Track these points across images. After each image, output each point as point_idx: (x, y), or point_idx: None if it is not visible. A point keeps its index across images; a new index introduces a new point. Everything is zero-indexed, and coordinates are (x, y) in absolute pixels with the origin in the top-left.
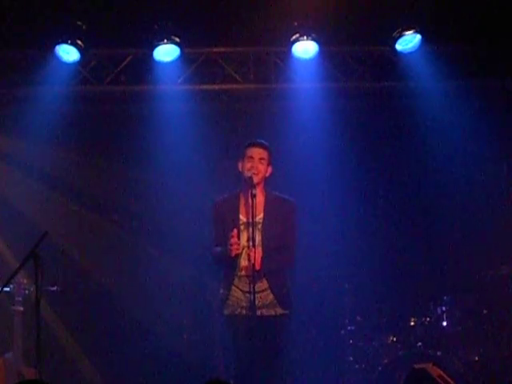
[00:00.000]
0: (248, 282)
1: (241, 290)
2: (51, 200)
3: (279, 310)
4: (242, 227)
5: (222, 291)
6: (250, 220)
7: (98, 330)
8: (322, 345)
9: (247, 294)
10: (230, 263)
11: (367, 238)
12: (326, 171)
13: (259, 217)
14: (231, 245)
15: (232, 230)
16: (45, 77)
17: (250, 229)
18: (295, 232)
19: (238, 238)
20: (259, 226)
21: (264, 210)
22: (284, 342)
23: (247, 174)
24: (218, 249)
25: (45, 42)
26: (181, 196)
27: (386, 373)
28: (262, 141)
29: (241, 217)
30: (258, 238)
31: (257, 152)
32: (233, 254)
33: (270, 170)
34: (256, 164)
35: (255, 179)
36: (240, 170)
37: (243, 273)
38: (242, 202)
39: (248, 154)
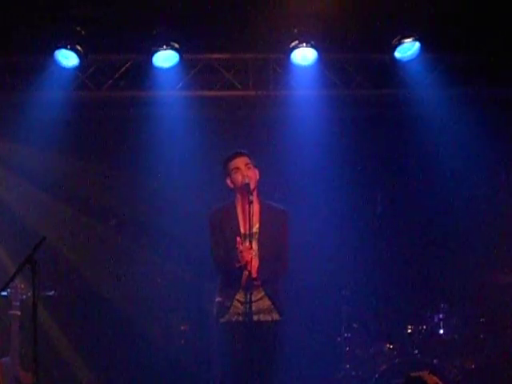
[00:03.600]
0: (244, 291)
1: (239, 301)
2: (49, 205)
3: (276, 316)
4: (242, 238)
5: (219, 299)
6: (248, 231)
7: (95, 335)
8: (319, 352)
9: (244, 304)
10: (234, 274)
11: (364, 245)
12: (324, 178)
13: (256, 227)
14: (241, 252)
15: (234, 239)
16: (44, 82)
17: (248, 239)
18: (288, 240)
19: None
20: (256, 236)
21: (260, 220)
22: (280, 348)
23: (242, 182)
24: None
25: (44, 46)
26: (179, 202)
27: (383, 380)
28: (240, 150)
29: (241, 230)
30: (254, 247)
31: (240, 161)
32: (244, 260)
33: (257, 173)
34: (245, 172)
35: (252, 185)
36: (231, 185)
37: (242, 284)
38: (239, 212)
39: (232, 166)
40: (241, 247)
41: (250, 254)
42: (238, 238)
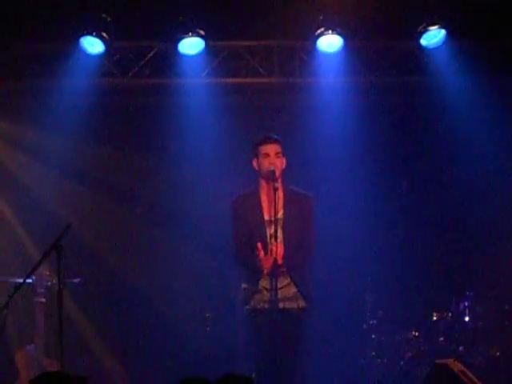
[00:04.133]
0: (270, 278)
1: (265, 288)
2: (75, 192)
3: (302, 303)
4: (266, 225)
5: (244, 286)
6: (273, 217)
7: (120, 322)
8: (344, 339)
9: (270, 291)
10: (257, 261)
11: (390, 232)
12: (349, 165)
13: (280, 213)
14: (261, 260)
15: (258, 226)
16: (69, 69)
17: (272, 226)
18: (313, 226)
19: (265, 251)
20: (281, 223)
21: (284, 206)
22: (305, 335)
23: (267, 168)
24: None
25: (70, 33)
26: (204, 189)
27: (408, 367)
28: (273, 135)
29: (265, 216)
30: (279, 234)
31: (271, 148)
32: (265, 269)
33: (285, 162)
34: (273, 160)
35: (277, 172)
36: (256, 167)
37: (268, 270)
38: (263, 198)
39: (263, 151)
40: (261, 254)
41: (270, 260)
42: (259, 244)
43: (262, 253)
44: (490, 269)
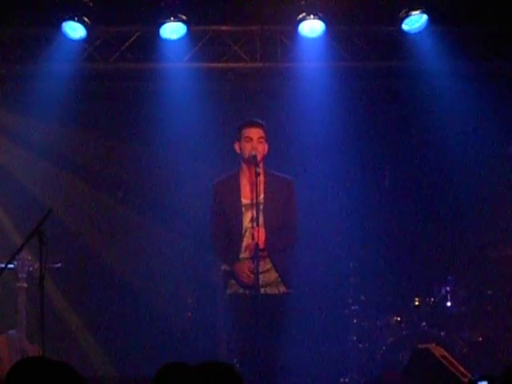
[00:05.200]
0: (251, 262)
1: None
2: (56, 177)
3: (283, 289)
4: (243, 209)
5: (224, 268)
6: (254, 201)
7: (102, 307)
8: (326, 324)
9: (252, 275)
10: (233, 243)
11: (372, 217)
12: (331, 150)
13: (261, 197)
14: (242, 275)
15: (235, 209)
16: (51, 53)
17: (254, 210)
18: (296, 211)
19: (240, 236)
20: (261, 206)
21: (265, 189)
22: (287, 320)
23: (249, 153)
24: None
25: (51, 18)
26: (186, 174)
27: (390, 353)
28: (257, 119)
29: (242, 199)
30: (261, 218)
31: (254, 132)
32: (244, 281)
33: (267, 147)
34: (256, 144)
35: (259, 157)
36: (238, 151)
37: (247, 254)
38: (243, 182)
39: (245, 134)
40: (246, 271)
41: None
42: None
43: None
44: (471, 254)
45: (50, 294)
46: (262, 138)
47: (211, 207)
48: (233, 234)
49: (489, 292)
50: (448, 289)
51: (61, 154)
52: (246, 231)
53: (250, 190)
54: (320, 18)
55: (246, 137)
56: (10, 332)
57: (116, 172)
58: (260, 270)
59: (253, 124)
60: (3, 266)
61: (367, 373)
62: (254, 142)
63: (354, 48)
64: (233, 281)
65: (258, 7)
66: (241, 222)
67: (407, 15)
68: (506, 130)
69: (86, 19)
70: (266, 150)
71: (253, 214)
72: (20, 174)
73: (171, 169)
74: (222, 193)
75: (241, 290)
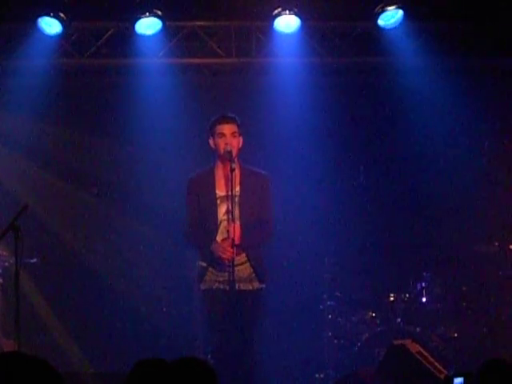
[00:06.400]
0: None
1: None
2: (31, 173)
3: (256, 285)
4: (218, 201)
5: (199, 263)
6: (229, 193)
7: (77, 303)
8: (301, 320)
9: (228, 270)
10: (207, 240)
11: (347, 212)
12: (306, 145)
13: (236, 189)
14: (223, 252)
15: (210, 202)
16: (27, 49)
17: (229, 202)
18: (271, 205)
19: (215, 229)
20: (236, 200)
21: (240, 183)
22: (261, 316)
23: (224, 149)
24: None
25: (27, 14)
26: (160, 170)
27: (365, 348)
28: (229, 114)
29: (217, 191)
30: (236, 211)
31: (227, 128)
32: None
33: (241, 141)
34: (229, 140)
35: (234, 153)
36: (213, 146)
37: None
38: (219, 175)
39: (218, 130)
40: (225, 246)
41: (229, 249)
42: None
43: (220, 239)
44: (447, 250)
45: (25, 290)
46: (235, 132)
47: (186, 201)
48: (208, 226)
49: (464, 288)
50: (423, 285)
51: (36, 149)
52: (220, 223)
53: (225, 184)
54: (295, 14)
55: (219, 133)
56: None
57: (91, 168)
58: (235, 262)
59: (225, 119)
60: None
61: (342, 369)
62: (228, 137)
63: (330, 44)
64: (207, 276)
65: (233, 2)
66: (215, 214)
67: (383, 11)
68: (483, 124)
69: (61, 15)
70: (241, 143)
71: (228, 206)
72: None
73: (147, 164)
74: (197, 187)
75: (215, 285)
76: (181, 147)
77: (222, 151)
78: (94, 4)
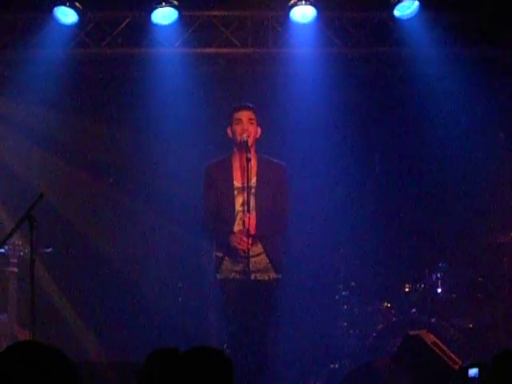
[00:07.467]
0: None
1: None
2: (47, 162)
3: (273, 275)
4: (235, 192)
5: (216, 254)
6: (245, 184)
7: (93, 292)
8: (316, 310)
9: (243, 261)
10: (225, 227)
11: (363, 203)
12: (322, 135)
13: (253, 181)
14: (238, 242)
15: (227, 192)
16: (43, 39)
17: (245, 193)
18: (287, 196)
19: (232, 219)
20: (253, 191)
21: (257, 174)
22: (277, 306)
23: (240, 137)
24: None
25: (43, 4)
26: (177, 160)
27: (380, 339)
28: (247, 103)
29: (235, 182)
30: (252, 202)
31: (245, 114)
32: (238, 247)
33: (259, 130)
34: (246, 126)
35: (249, 142)
36: (230, 135)
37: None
38: (236, 166)
39: (236, 117)
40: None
41: (244, 238)
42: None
43: (237, 230)
44: (462, 240)
45: (40, 279)
46: (252, 119)
47: (204, 191)
48: (225, 217)
49: (479, 279)
50: (439, 275)
51: (52, 139)
52: (237, 214)
53: (241, 174)
54: (311, 4)
55: (237, 119)
56: (1, 316)
57: (107, 157)
58: (251, 253)
59: (243, 107)
60: None
61: (357, 359)
62: (244, 123)
63: (346, 34)
64: (224, 266)
65: None
66: (233, 205)
67: (399, 1)
68: (498, 115)
69: (77, 4)
70: (259, 133)
71: (244, 197)
72: (10, 159)
73: (163, 154)
74: (215, 175)
75: (232, 275)
76: (196, 137)
77: (238, 139)
78: None
